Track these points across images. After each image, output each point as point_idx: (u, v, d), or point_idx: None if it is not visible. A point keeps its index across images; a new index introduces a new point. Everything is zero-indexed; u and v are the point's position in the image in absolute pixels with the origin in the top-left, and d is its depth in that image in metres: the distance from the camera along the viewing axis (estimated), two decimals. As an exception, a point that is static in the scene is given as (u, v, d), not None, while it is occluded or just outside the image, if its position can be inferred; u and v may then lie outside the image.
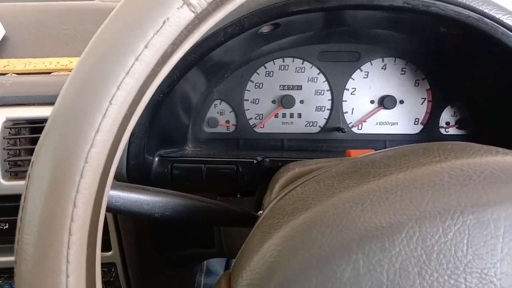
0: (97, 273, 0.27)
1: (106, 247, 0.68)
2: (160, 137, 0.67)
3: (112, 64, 0.23)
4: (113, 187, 0.42)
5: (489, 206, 0.26)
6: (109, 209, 0.42)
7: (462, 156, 0.31)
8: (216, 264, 1.20)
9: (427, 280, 0.25)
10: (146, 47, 0.23)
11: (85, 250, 0.25)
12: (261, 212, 0.43)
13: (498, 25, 0.52)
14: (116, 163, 0.27)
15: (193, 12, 0.25)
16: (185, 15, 0.24)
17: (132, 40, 0.23)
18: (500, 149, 0.32)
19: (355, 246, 0.26)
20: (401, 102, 0.77)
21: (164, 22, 0.24)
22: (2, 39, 0.86)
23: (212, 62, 0.64)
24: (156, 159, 0.67)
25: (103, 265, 0.70)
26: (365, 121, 0.78)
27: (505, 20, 0.52)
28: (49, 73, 0.77)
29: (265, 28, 0.60)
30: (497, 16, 0.52)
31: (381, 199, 0.28)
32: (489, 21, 0.52)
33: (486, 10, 0.52)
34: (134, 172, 0.61)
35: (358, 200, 0.29)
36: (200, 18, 0.25)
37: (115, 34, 0.24)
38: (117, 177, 0.61)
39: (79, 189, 0.24)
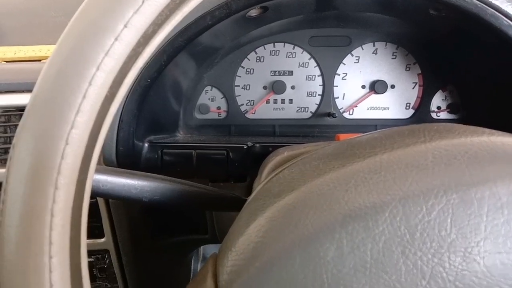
0: (83, 255, 0.27)
1: (99, 234, 0.68)
2: (149, 123, 0.66)
3: (90, 44, 0.23)
4: (101, 171, 0.42)
5: (473, 186, 0.26)
6: (97, 193, 0.42)
7: (447, 137, 0.31)
8: (213, 251, 1.21)
9: (411, 258, 0.25)
10: (125, 26, 0.23)
11: (68, 232, 0.25)
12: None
13: (487, 7, 0.52)
14: (100, 146, 0.26)
15: (174, -9, 0.24)
16: None
17: (111, 20, 0.23)
18: (486, 130, 0.32)
19: (338, 226, 0.26)
20: (392, 86, 0.77)
21: (143, 1, 0.23)
22: (-9, 26, 0.86)
23: (201, 46, 0.64)
24: (146, 145, 0.67)
25: (96, 251, 0.70)
26: (356, 106, 0.78)
27: (493, 2, 0.52)
28: (39, 60, 0.76)
29: (253, 12, 0.59)
30: None
31: (365, 179, 0.28)
32: (478, 2, 0.52)
33: None
34: (124, 158, 0.61)
35: (342, 180, 0.29)
36: (181, -2, 0.25)
37: (93, 14, 0.23)
38: (107, 163, 0.61)
39: (60, 171, 0.23)
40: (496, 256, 0.25)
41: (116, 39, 0.23)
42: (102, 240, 0.69)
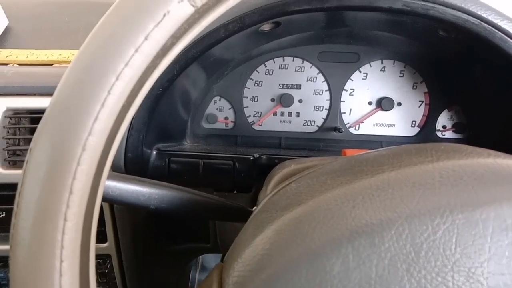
0: (91, 260, 0.28)
1: (102, 238, 0.68)
2: (158, 131, 0.67)
3: (111, 55, 0.24)
4: (110, 177, 0.42)
5: (479, 206, 0.26)
6: (105, 199, 0.42)
7: (454, 157, 0.31)
8: (211, 260, 1.21)
9: (415, 276, 0.25)
10: (146, 39, 0.24)
11: (80, 236, 0.25)
12: (256, 207, 0.43)
13: (496, 30, 0.52)
14: (113, 153, 0.27)
15: (193, 6, 0.25)
16: (186, 9, 0.25)
17: (132, 32, 0.24)
18: (492, 152, 0.32)
19: (345, 241, 0.26)
20: (399, 104, 0.77)
21: (164, 15, 0.24)
22: (5, 29, 0.87)
23: (213, 58, 0.64)
24: (154, 152, 0.67)
25: (98, 256, 0.70)
26: (363, 122, 0.78)
27: (503, 26, 0.52)
28: (51, 64, 0.77)
29: (266, 26, 0.60)
30: (495, 21, 0.52)
31: (372, 196, 0.29)
32: (487, 26, 0.52)
33: (484, 15, 0.52)
34: (131, 165, 0.62)
35: (350, 196, 0.29)
36: (200, 13, 0.26)
37: (115, 25, 0.24)
38: (115, 169, 0.62)
39: (75, 176, 0.24)
40: (500, 277, 0.25)
41: (136, 50, 0.24)
42: (105, 245, 0.69)
